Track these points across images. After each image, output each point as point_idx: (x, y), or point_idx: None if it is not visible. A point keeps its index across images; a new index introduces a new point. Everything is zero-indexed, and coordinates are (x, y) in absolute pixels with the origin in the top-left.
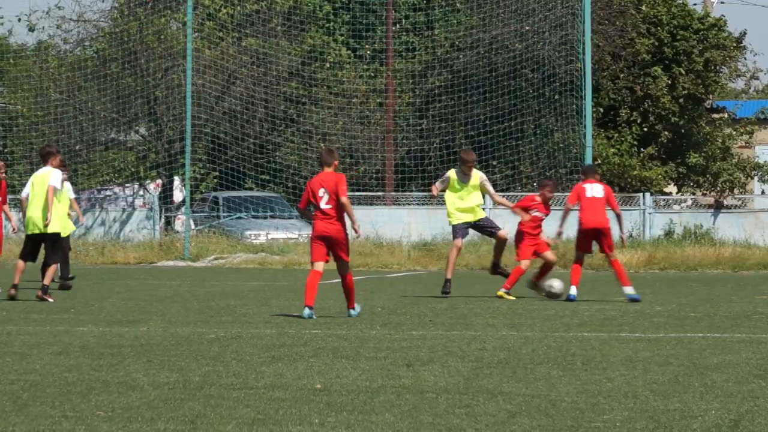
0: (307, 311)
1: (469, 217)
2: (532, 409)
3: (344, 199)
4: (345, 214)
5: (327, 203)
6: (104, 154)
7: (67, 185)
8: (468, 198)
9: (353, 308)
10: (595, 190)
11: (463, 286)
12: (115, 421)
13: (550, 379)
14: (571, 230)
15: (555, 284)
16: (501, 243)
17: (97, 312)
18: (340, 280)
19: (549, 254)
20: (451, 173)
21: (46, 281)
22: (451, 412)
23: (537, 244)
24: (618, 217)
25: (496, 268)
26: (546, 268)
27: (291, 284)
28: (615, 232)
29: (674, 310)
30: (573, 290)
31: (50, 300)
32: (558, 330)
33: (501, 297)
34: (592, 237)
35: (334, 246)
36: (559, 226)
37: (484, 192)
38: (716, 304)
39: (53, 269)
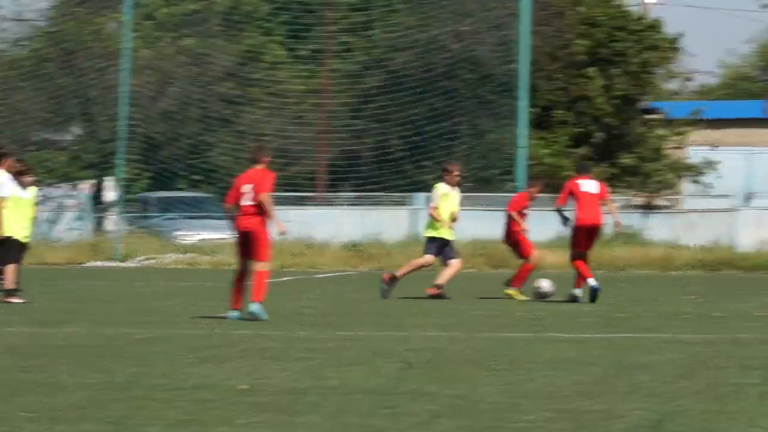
0: (232, 314)
1: (447, 235)
2: (455, 410)
3: (263, 196)
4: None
5: (250, 200)
6: (38, 155)
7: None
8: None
9: (254, 303)
10: (589, 186)
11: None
12: (41, 422)
13: (474, 380)
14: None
15: (543, 284)
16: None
17: (26, 313)
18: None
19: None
20: (441, 187)
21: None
22: (375, 413)
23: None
24: (612, 209)
25: (394, 281)
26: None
27: (220, 285)
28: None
29: (602, 310)
30: (591, 281)
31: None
32: (486, 330)
33: (511, 297)
34: (588, 234)
35: (252, 242)
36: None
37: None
38: (643, 304)
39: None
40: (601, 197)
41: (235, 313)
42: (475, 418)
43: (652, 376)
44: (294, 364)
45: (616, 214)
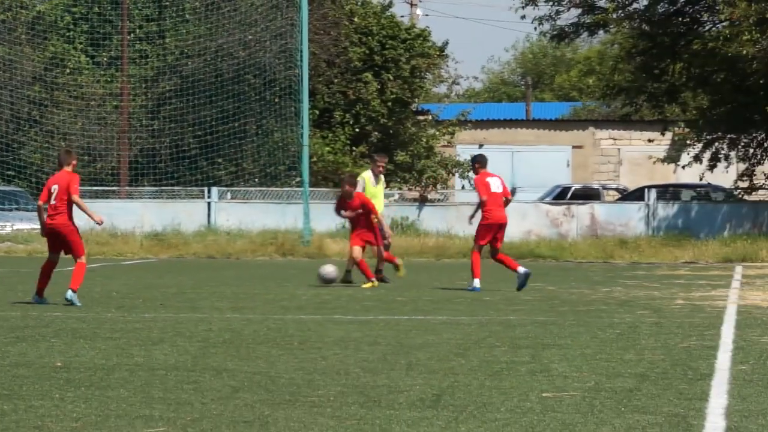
0: (36, 298)
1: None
2: (254, 385)
3: (75, 198)
4: (74, 211)
5: (55, 199)
6: None
7: None
8: (380, 198)
9: (70, 290)
10: (497, 184)
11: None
12: None
13: (270, 358)
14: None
15: (328, 270)
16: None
17: None
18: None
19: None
20: (366, 175)
21: None
22: (180, 387)
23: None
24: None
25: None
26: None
27: (34, 271)
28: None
29: (383, 294)
30: (521, 269)
31: None
32: (277, 313)
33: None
34: (495, 231)
35: (62, 238)
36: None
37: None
38: (421, 289)
39: None
40: (505, 195)
41: (37, 298)
42: (273, 392)
43: (430, 354)
44: (103, 343)
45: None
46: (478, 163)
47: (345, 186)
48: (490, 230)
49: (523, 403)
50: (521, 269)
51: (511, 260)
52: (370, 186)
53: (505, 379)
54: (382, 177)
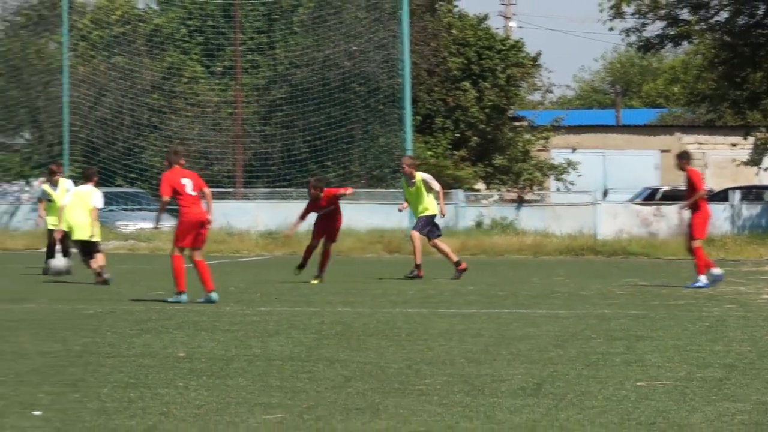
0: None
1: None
2: (365, 374)
3: (209, 191)
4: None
5: (194, 191)
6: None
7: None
8: (418, 196)
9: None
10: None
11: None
12: (8, 384)
13: (379, 349)
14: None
15: (57, 262)
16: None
17: None
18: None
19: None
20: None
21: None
22: (295, 376)
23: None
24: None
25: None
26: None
27: (156, 267)
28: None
29: (484, 289)
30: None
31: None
32: (385, 306)
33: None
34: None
35: (201, 230)
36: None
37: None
38: (520, 284)
39: None
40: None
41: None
42: (383, 381)
43: (531, 345)
44: (223, 335)
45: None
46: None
47: (310, 190)
48: None
49: (619, 392)
50: None
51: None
52: (405, 186)
53: (601, 369)
54: (417, 176)
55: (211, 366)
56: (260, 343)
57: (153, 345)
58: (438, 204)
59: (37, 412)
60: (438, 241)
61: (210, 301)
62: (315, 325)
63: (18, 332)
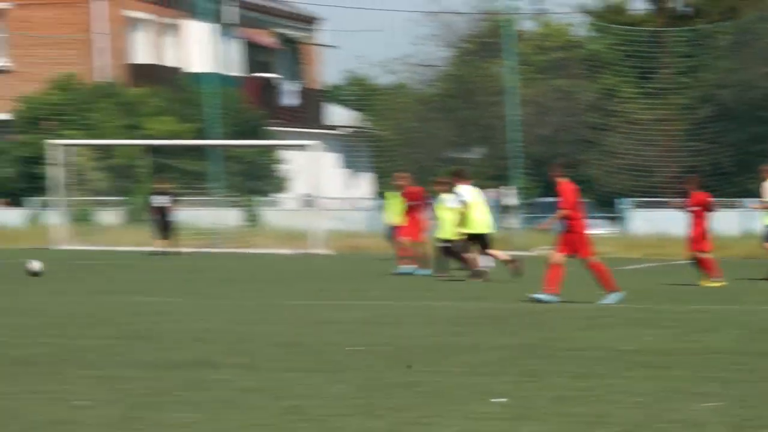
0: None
1: None
2: None
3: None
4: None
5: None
6: (447, 168)
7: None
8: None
9: (615, 291)
10: None
11: None
12: (465, 375)
13: None
14: None
15: (34, 265)
16: None
17: (450, 291)
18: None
19: None
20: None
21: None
22: (729, 368)
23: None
24: None
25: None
26: None
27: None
28: None
29: None
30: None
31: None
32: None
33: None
34: None
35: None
36: None
37: None
38: None
39: None
40: None
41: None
42: None
43: None
44: (661, 331)
45: None
46: None
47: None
48: None
49: None
50: None
51: None
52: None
53: None
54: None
55: (651, 358)
56: (695, 337)
57: (597, 339)
58: None
59: (501, 399)
60: None
61: (614, 300)
62: (744, 322)
63: (475, 328)
